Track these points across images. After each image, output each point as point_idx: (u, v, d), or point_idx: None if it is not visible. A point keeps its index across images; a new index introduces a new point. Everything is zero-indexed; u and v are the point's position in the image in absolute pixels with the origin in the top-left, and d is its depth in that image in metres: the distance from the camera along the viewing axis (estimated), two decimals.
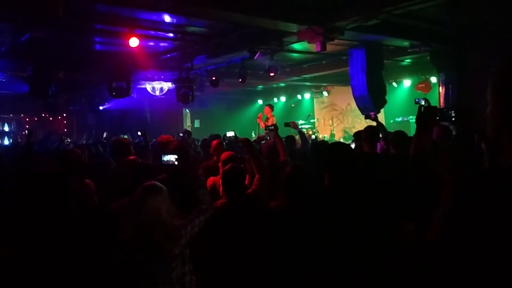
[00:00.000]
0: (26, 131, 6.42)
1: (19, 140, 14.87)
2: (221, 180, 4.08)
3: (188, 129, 15.85)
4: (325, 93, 17.40)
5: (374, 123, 5.66)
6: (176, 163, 3.21)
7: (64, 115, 17.47)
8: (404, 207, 2.71)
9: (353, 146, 5.69)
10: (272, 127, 5.52)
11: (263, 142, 7.24)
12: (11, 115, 17.36)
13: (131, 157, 4.62)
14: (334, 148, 3.08)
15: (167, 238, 2.57)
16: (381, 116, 10.68)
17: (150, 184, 2.66)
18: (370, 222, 2.57)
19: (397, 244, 2.67)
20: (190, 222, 2.74)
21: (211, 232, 3.20)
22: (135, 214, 2.57)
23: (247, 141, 4.08)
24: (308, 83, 15.83)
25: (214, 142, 5.39)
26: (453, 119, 2.86)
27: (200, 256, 3.02)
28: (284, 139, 6.82)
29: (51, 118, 17.20)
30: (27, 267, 2.07)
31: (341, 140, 14.12)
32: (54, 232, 2.19)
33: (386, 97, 9.71)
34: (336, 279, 2.51)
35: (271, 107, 12.85)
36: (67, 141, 8.80)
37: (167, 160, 3.23)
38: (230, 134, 6.37)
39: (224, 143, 5.73)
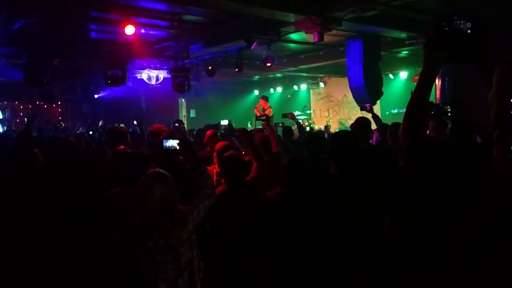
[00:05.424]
0: (25, 118, 6.24)
1: (13, 128, 14.76)
2: (215, 170, 4.08)
3: (183, 119, 15.82)
4: (321, 84, 17.36)
5: (370, 115, 5.65)
6: (177, 148, 3.20)
7: (59, 103, 17.35)
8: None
9: None
10: (264, 117, 5.50)
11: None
12: (5, 102, 17.22)
13: (121, 147, 4.48)
14: (341, 136, 2.94)
15: (175, 224, 2.59)
16: (377, 108, 10.71)
17: (155, 171, 2.66)
18: (372, 211, 2.56)
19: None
20: (196, 207, 2.75)
21: (212, 220, 3.20)
22: (142, 202, 2.57)
23: (244, 130, 4.06)
24: (304, 74, 15.79)
25: (208, 132, 5.38)
26: (449, 114, 2.88)
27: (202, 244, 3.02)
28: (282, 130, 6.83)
29: (45, 106, 17.06)
30: (32, 258, 2.07)
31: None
32: (57, 222, 2.19)
33: (383, 89, 9.72)
34: (334, 271, 2.52)
35: (266, 98, 12.84)
36: (61, 124, 8.58)
37: (169, 146, 3.22)
38: (224, 122, 6.33)
39: (219, 133, 5.70)
